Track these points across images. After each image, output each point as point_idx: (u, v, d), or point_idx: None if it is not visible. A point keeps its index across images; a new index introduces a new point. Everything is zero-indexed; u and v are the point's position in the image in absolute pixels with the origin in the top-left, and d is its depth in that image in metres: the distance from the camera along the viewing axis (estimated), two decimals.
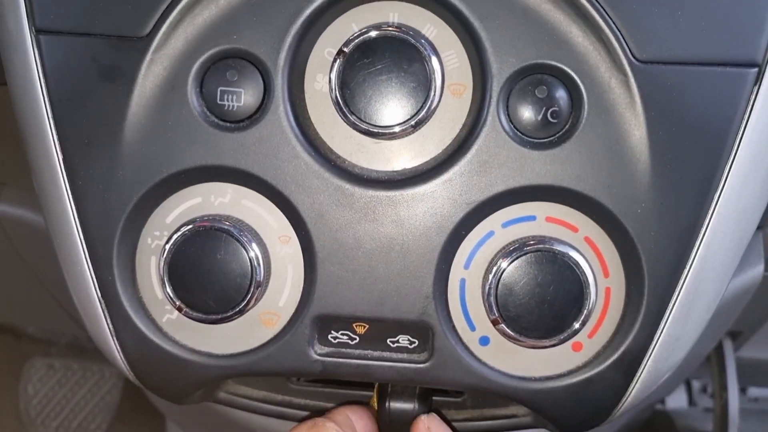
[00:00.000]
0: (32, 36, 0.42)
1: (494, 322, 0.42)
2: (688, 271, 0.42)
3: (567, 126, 0.41)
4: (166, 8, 0.41)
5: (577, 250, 0.42)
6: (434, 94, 0.41)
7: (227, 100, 0.42)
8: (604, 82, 0.40)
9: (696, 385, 1.02)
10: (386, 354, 0.44)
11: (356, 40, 0.41)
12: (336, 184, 0.42)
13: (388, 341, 0.44)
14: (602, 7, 0.39)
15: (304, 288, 0.43)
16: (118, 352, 0.46)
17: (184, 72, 0.42)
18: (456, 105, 0.42)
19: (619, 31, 0.40)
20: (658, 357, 0.43)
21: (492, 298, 0.42)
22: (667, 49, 0.40)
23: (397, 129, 0.41)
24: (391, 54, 0.41)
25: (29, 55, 0.43)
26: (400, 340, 0.44)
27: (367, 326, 0.44)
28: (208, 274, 0.42)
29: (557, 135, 0.41)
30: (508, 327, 0.42)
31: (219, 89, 0.42)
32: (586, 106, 0.41)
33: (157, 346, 0.44)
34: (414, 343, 0.44)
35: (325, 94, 0.42)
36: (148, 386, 0.47)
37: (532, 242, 0.41)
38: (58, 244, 0.45)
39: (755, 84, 0.40)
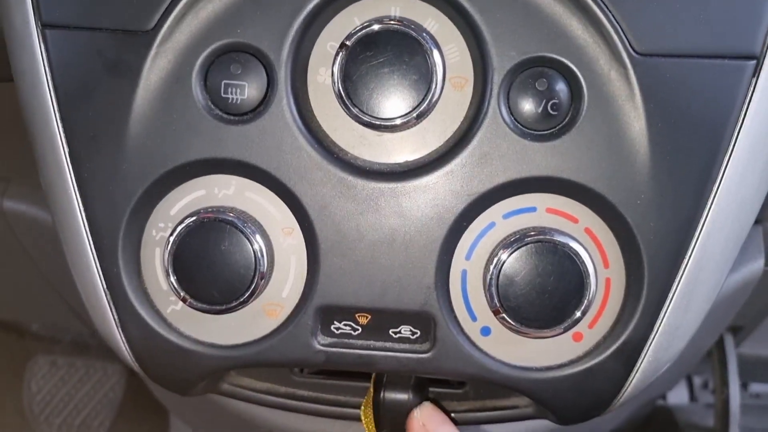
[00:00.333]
0: (38, 30, 0.43)
1: (495, 312, 0.42)
2: (688, 261, 0.42)
3: (567, 118, 0.42)
4: (171, 2, 0.41)
5: (578, 241, 0.42)
6: (436, 87, 0.41)
7: (231, 93, 0.42)
8: (604, 75, 0.41)
9: (697, 380, 1.02)
10: (388, 344, 0.44)
11: (358, 34, 0.41)
12: (339, 176, 0.42)
13: (390, 332, 0.44)
14: (602, 0, 0.40)
15: (307, 279, 0.44)
16: (124, 343, 0.46)
17: (188, 65, 0.42)
18: (457, 98, 0.43)
19: (619, 24, 0.40)
20: (658, 347, 0.44)
21: (493, 289, 0.42)
22: (666, 42, 0.40)
23: (398, 121, 0.41)
24: (393, 47, 0.41)
25: (36, 49, 0.43)
26: (402, 331, 0.44)
27: (370, 317, 0.44)
28: (212, 265, 0.43)
29: (557, 127, 0.42)
30: (509, 317, 0.42)
31: (223, 82, 0.42)
32: (585, 99, 0.41)
33: (161, 337, 0.45)
34: (416, 333, 0.44)
35: (328, 87, 0.43)
36: (153, 377, 0.47)
37: (532, 233, 0.42)
38: (64, 236, 0.46)
39: (753, 76, 0.40)
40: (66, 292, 0.84)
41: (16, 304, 1.01)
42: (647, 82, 0.40)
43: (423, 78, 0.41)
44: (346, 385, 0.52)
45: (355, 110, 0.41)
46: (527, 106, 0.42)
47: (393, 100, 0.41)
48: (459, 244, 0.43)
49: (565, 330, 0.42)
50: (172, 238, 0.43)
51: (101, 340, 0.89)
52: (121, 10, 0.42)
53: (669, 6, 0.40)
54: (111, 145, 0.43)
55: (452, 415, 0.52)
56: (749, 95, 0.41)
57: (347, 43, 0.41)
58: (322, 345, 0.44)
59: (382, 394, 0.47)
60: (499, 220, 0.43)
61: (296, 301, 0.44)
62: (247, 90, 0.42)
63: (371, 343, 0.44)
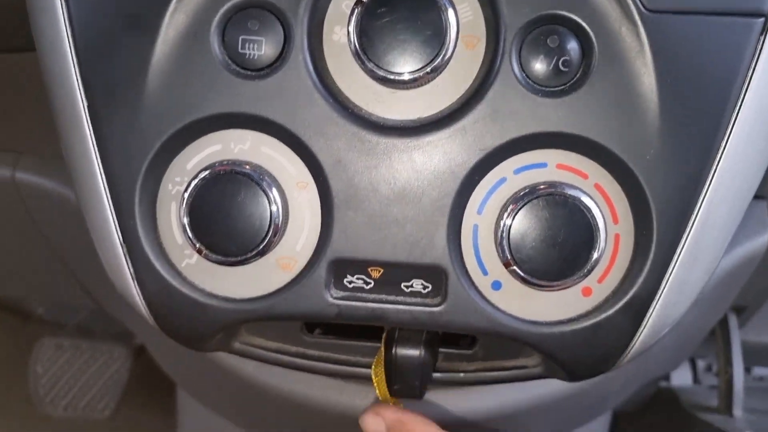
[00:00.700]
0: None
1: (506, 265, 0.43)
2: (696, 217, 0.43)
3: (578, 75, 0.42)
4: None
5: (588, 195, 0.43)
6: (449, 44, 0.42)
7: (248, 49, 0.43)
8: (615, 32, 0.42)
9: (701, 364, 1.03)
10: (400, 298, 0.45)
11: None
12: (353, 131, 0.43)
13: (402, 285, 0.45)
14: None
15: (321, 233, 0.45)
16: (139, 297, 0.47)
17: (206, 21, 0.43)
18: (470, 56, 0.44)
19: None
20: (666, 302, 0.44)
21: (504, 242, 0.43)
22: None
23: (412, 76, 0.42)
24: (408, 5, 0.42)
25: (57, 6, 0.44)
26: (414, 285, 0.45)
27: (382, 270, 0.45)
28: (228, 217, 0.43)
29: (568, 83, 0.42)
30: (519, 269, 0.43)
31: (240, 38, 0.43)
32: (596, 55, 0.42)
33: (176, 290, 0.46)
34: (428, 287, 0.45)
35: (343, 45, 0.44)
36: (167, 331, 0.48)
37: (543, 187, 0.43)
38: (82, 192, 0.46)
39: (762, 33, 0.41)
40: (75, 265, 0.85)
41: (24, 281, 1.02)
42: (657, 38, 0.41)
43: (436, 35, 0.42)
44: (356, 345, 0.53)
45: (370, 65, 0.42)
46: (539, 63, 0.42)
47: (407, 57, 0.42)
48: (471, 199, 0.44)
49: (575, 282, 0.43)
50: (189, 189, 0.43)
51: (111, 310, 0.89)
52: None
53: None
54: (129, 100, 0.44)
55: (461, 375, 0.52)
56: (758, 52, 0.41)
57: (363, 0, 0.42)
58: (335, 298, 0.45)
59: (394, 350, 0.48)
60: (510, 176, 0.44)
61: (310, 254, 0.45)
62: (264, 46, 0.43)
63: (383, 296, 0.45)
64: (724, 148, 0.42)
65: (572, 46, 0.42)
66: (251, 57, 0.43)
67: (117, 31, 0.43)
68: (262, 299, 0.46)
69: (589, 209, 0.42)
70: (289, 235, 0.45)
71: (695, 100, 0.42)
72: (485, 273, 0.45)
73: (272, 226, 0.43)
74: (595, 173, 0.44)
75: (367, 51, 0.42)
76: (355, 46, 0.42)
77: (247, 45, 0.43)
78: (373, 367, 0.51)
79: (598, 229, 0.42)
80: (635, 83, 0.42)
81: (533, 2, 0.42)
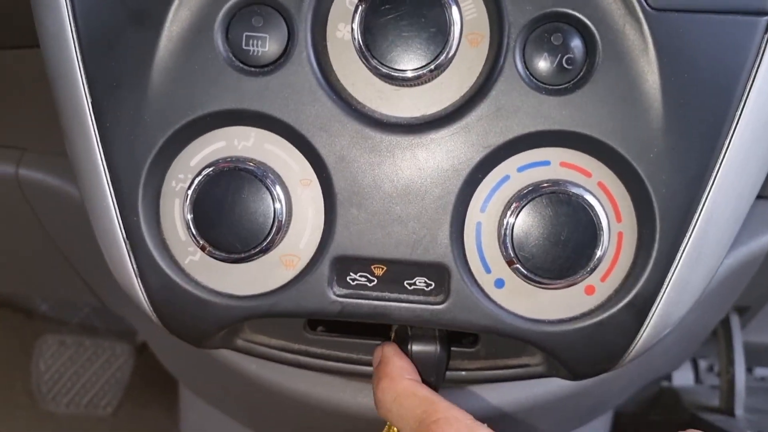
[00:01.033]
0: None
1: (509, 263, 0.43)
2: (699, 215, 0.43)
3: (582, 72, 0.42)
4: None
5: (591, 193, 0.43)
6: (453, 41, 0.42)
7: (252, 46, 0.43)
8: (618, 30, 0.42)
9: (703, 364, 1.03)
10: (403, 296, 0.45)
11: None
12: (356, 128, 0.43)
13: (405, 283, 0.45)
14: None
15: (324, 230, 0.45)
16: (142, 293, 0.47)
17: (210, 17, 0.43)
18: (473, 54, 0.44)
19: None
20: (668, 301, 0.44)
21: (507, 239, 0.43)
22: None
23: (415, 74, 0.42)
24: (412, 1, 0.42)
25: (61, 1, 0.44)
26: (416, 282, 0.45)
27: (385, 268, 0.45)
28: (231, 214, 0.43)
29: (572, 81, 0.42)
30: (522, 267, 0.43)
31: (244, 35, 0.43)
32: (600, 53, 0.42)
33: (179, 287, 0.46)
34: (430, 285, 0.45)
35: (347, 42, 0.44)
36: (170, 328, 0.48)
37: (546, 185, 0.43)
38: (85, 187, 0.46)
39: (766, 32, 0.41)
40: (79, 263, 0.85)
41: (28, 278, 1.02)
42: (661, 36, 0.41)
43: (440, 32, 0.42)
44: (359, 343, 0.53)
45: (374, 62, 0.42)
46: (542, 60, 0.42)
47: (410, 54, 0.42)
48: (474, 197, 0.44)
49: (578, 281, 0.43)
50: (193, 185, 0.43)
51: (114, 307, 0.89)
52: None
53: None
54: (133, 95, 0.44)
55: (463, 373, 0.52)
56: (761, 51, 0.41)
57: None
58: (338, 296, 0.45)
59: (410, 347, 0.48)
60: (514, 173, 0.44)
61: (313, 251, 0.45)
62: (268, 43, 0.43)
63: (386, 294, 0.45)
64: (728, 147, 0.42)
65: (576, 44, 0.42)
66: (255, 54, 0.43)
67: (121, 27, 0.43)
68: (265, 296, 0.46)
69: (592, 207, 0.42)
70: (293, 232, 0.45)
71: (699, 98, 0.41)
72: (488, 271, 0.45)
73: (275, 224, 0.43)
74: (599, 171, 0.44)
75: (371, 48, 0.42)
76: (359, 43, 0.42)
77: (251, 42, 0.43)
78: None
79: (601, 227, 0.42)
80: (639, 81, 0.42)
81: (537, 0, 0.42)
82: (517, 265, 0.43)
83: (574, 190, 0.42)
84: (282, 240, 0.45)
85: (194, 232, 0.44)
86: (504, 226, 0.43)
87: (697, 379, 1.02)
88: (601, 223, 0.42)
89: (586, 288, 0.44)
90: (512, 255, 0.43)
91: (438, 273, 0.44)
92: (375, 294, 0.45)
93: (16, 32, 0.64)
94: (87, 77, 0.44)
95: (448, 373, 0.52)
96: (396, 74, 0.42)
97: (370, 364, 0.52)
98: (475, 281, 0.45)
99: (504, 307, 0.45)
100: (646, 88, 0.42)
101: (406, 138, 0.43)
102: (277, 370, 0.64)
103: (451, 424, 0.40)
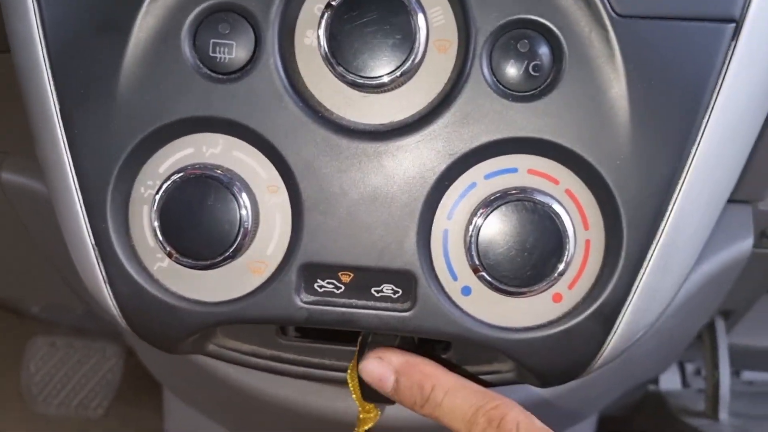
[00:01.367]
0: None
1: (475, 270, 0.43)
2: (666, 223, 0.43)
3: (549, 79, 0.42)
4: None
5: (558, 201, 0.43)
6: (419, 48, 0.42)
7: (219, 53, 0.43)
8: (585, 36, 0.41)
9: (689, 367, 1.03)
10: (370, 303, 0.45)
11: None
12: (323, 135, 0.43)
13: (372, 290, 0.45)
14: None
15: (291, 237, 0.45)
16: (111, 299, 0.47)
17: (177, 24, 0.43)
18: (441, 60, 0.43)
19: None
20: (636, 309, 0.44)
21: (473, 247, 0.43)
22: (647, 4, 0.41)
23: (382, 80, 0.42)
24: (378, 8, 0.42)
25: (29, 8, 0.44)
26: (384, 290, 0.45)
27: (352, 275, 0.45)
28: (198, 222, 0.43)
29: (539, 88, 0.42)
30: (488, 275, 0.43)
31: (211, 41, 0.43)
32: (567, 60, 0.42)
33: (148, 293, 0.46)
34: (398, 292, 0.45)
35: (314, 49, 0.43)
36: (140, 334, 0.48)
37: (513, 192, 0.43)
38: (55, 193, 0.47)
39: (732, 39, 0.41)
40: (62, 266, 0.85)
41: (16, 282, 1.02)
42: (627, 43, 0.41)
43: (406, 39, 0.42)
44: (333, 349, 0.53)
45: (339, 69, 0.42)
46: (509, 67, 0.42)
47: (377, 61, 0.42)
48: (441, 204, 0.44)
49: (544, 289, 0.43)
50: (160, 193, 0.43)
51: (96, 309, 0.89)
52: None
53: None
54: (101, 102, 0.44)
55: None
56: (728, 58, 0.41)
57: (333, 3, 0.42)
58: (305, 302, 0.45)
59: (365, 351, 0.48)
60: (481, 181, 0.44)
61: (280, 258, 0.45)
62: (235, 50, 0.43)
63: (353, 301, 0.45)
64: (695, 155, 0.42)
65: (543, 50, 0.42)
66: (222, 60, 0.43)
67: (88, 34, 0.43)
68: (233, 302, 0.46)
69: (558, 216, 0.42)
70: (260, 239, 0.45)
71: (665, 105, 0.41)
72: (455, 278, 0.44)
73: (242, 230, 0.43)
74: (566, 179, 0.43)
75: (336, 55, 0.42)
76: (324, 50, 0.42)
77: (218, 48, 0.43)
78: (348, 371, 0.51)
79: (567, 235, 0.42)
80: (605, 88, 0.42)
81: (504, 6, 0.42)
82: (483, 273, 0.43)
83: (540, 198, 0.42)
84: (249, 247, 0.45)
85: (161, 239, 0.44)
86: (470, 234, 0.43)
87: (684, 382, 1.01)
88: (567, 231, 0.42)
89: (554, 295, 0.44)
90: (477, 263, 0.43)
91: (405, 280, 0.44)
92: (342, 301, 0.45)
93: None
94: (55, 84, 0.44)
95: None
96: (362, 81, 0.42)
97: (343, 369, 0.52)
98: (442, 288, 0.44)
99: (471, 315, 0.45)
100: (613, 95, 0.42)
101: (372, 145, 0.43)
102: (256, 375, 0.64)
103: (512, 407, 0.42)
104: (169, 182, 0.44)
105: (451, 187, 0.44)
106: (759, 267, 0.71)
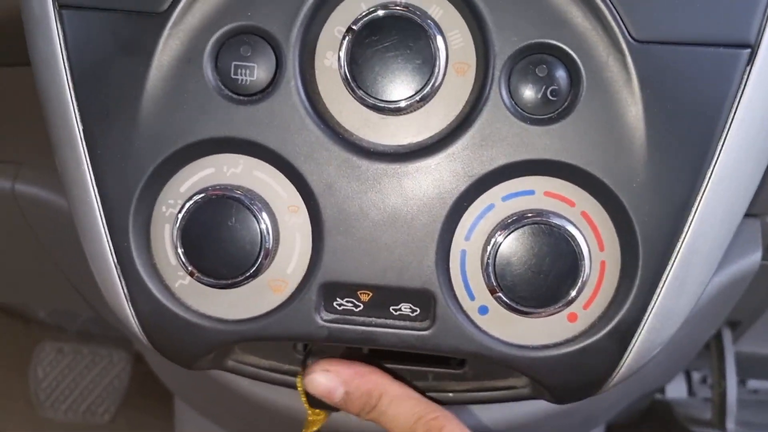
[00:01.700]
0: (55, 11, 0.44)
1: (492, 291, 0.44)
2: (682, 244, 0.43)
3: (566, 103, 0.43)
4: None
5: (574, 224, 0.43)
6: (438, 72, 0.43)
7: (241, 75, 0.44)
8: (602, 61, 0.42)
9: (696, 376, 1.03)
10: (389, 321, 0.46)
11: (364, 19, 0.42)
12: (344, 157, 0.44)
13: (391, 309, 0.46)
14: None
15: (311, 256, 0.45)
16: (133, 317, 0.47)
17: (200, 47, 0.44)
18: (460, 83, 0.44)
19: (618, 12, 0.41)
20: (651, 328, 0.45)
21: (490, 268, 0.43)
22: (664, 30, 0.41)
23: (402, 104, 0.43)
24: (398, 33, 0.43)
25: (52, 29, 0.45)
26: (402, 308, 0.46)
27: (371, 294, 0.45)
28: (220, 241, 0.44)
29: (557, 111, 0.43)
30: (504, 296, 0.43)
31: (233, 64, 0.44)
32: (584, 84, 0.42)
33: (169, 310, 0.46)
34: (416, 311, 0.45)
35: (334, 70, 0.44)
36: (161, 350, 0.49)
37: (529, 215, 0.43)
38: (77, 212, 0.47)
39: (747, 64, 0.42)
40: (74, 276, 0.85)
41: (25, 289, 1.02)
42: (644, 68, 0.42)
43: (426, 63, 0.43)
44: None
45: (360, 93, 0.43)
46: (527, 91, 0.43)
47: (397, 84, 0.43)
48: (459, 225, 0.45)
49: (560, 310, 0.43)
50: (181, 214, 0.44)
51: (110, 320, 0.90)
52: None
53: None
54: (123, 123, 0.44)
55: (450, 395, 0.53)
56: (743, 83, 0.42)
57: (354, 27, 0.42)
58: (325, 321, 0.45)
59: (308, 362, 0.49)
60: (498, 202, 0.44)
61: (301, 277, 0.46)
62: (257, 72, 0.44)
63: (372, 319, 0.46)
64: (710, 177, 0.43)
65: (561, 74, 0.43)
66: (243, 82, 0.44)
67: (112, 56, 0.44)
68: (254, 321, 0.46)
69: (574, 238, 0.43)
70: (280, 258, 0.46)
71: (681, 129, 0.42)
72: (472, 298, 0.45)
73: (263, 250, 0.44)
74: (583, 201, 0.44)
75: (356, 78, 0.43)
76: (345, 72, 0.43)
77: (239, 71, 0.44)
78: (297, 377, 0.51)
79: (582, 258, 0.43)
80: (622, 112, 0.42)
81: (523, 30, 0.42)
82: (500, 294, 0.43)
83: (557, 221, 0.43)
84: (270, 266, 0.45)
85: (183, 259, 0.44)
86: (487, 255, 0.43)
87: (690, 391, 1.02)
88: (582, 253, 0.43)
89: (569, 315, 0.45)
90: (495, 284, 0.43)
91: (423, 299, 0.45)
92: (361, 319, 0.46)
93: (12, 49, 0.65)
94: (78, 105, 0.45)
95: (435, 394, 0.53)
96: (382, 105, 0.43)
97: None
98: (460, 307, 0.45)
99: (488, 333, 0.45)
100: (630, 119, 0.42)
101: (392, 166, 0.44)
102: (270, 386, 0.64)
103: (450, 419, 0.45)
104: (191, 202, 0.44)
105: (470, 209, 0.44)
106: (767, 279, 0.72)
